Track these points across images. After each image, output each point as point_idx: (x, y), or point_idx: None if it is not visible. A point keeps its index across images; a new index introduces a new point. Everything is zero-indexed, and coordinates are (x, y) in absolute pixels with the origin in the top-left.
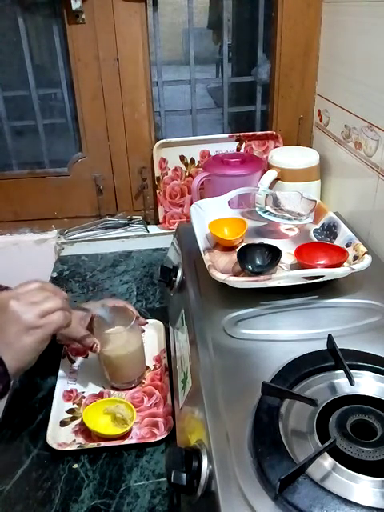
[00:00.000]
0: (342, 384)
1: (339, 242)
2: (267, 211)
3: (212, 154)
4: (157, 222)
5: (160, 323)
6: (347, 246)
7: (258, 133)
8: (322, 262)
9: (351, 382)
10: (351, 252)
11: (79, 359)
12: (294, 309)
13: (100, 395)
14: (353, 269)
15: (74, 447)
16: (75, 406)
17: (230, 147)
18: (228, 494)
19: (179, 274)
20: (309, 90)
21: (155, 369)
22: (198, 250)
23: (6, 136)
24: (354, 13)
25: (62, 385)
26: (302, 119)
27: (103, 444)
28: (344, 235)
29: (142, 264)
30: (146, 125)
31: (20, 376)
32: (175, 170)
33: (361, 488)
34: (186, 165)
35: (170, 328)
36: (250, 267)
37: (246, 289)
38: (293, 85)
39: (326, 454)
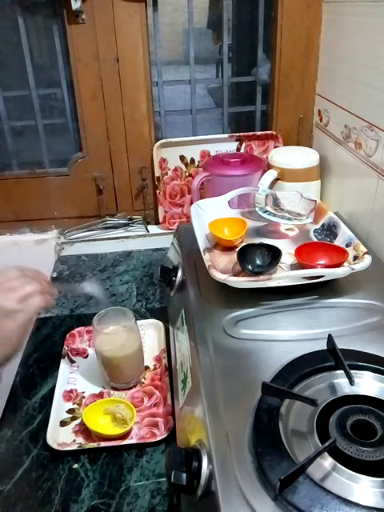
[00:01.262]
0: (341, 384)
1: (339, 242)
2: (267, 211)
3: (212, 153)
4: (157, 222)
5: (160, 323)
6: (347, 246)
7: (258, 133)
8: (322, 261)
9: (351, 382)
10: (351, 252)
11: (79, 359)
12: (294, 309)
13: (100, 395)
14: (353, 269)
15: (74, 447)
16: (75, 406)
17: (230, 147)
18: (228, 494)
19: (179, 274)
20: (309, 90)
21: (155, 369)
22: (198, 249)
23: (6, 136)
24: (354, 13)
25: (62, 385)
26: (302, 119)
27: (103, 444)
28: (344, 235)
29: (142, 264)
30: (146, 125)
31: (20, 376)
32: (175, 170)
33: (361, 488)
34: (186, 165)
35: (170, 328)
36: (250, 267)
37: (246, 289)
38: (293, 85)
39: (326, 454)
